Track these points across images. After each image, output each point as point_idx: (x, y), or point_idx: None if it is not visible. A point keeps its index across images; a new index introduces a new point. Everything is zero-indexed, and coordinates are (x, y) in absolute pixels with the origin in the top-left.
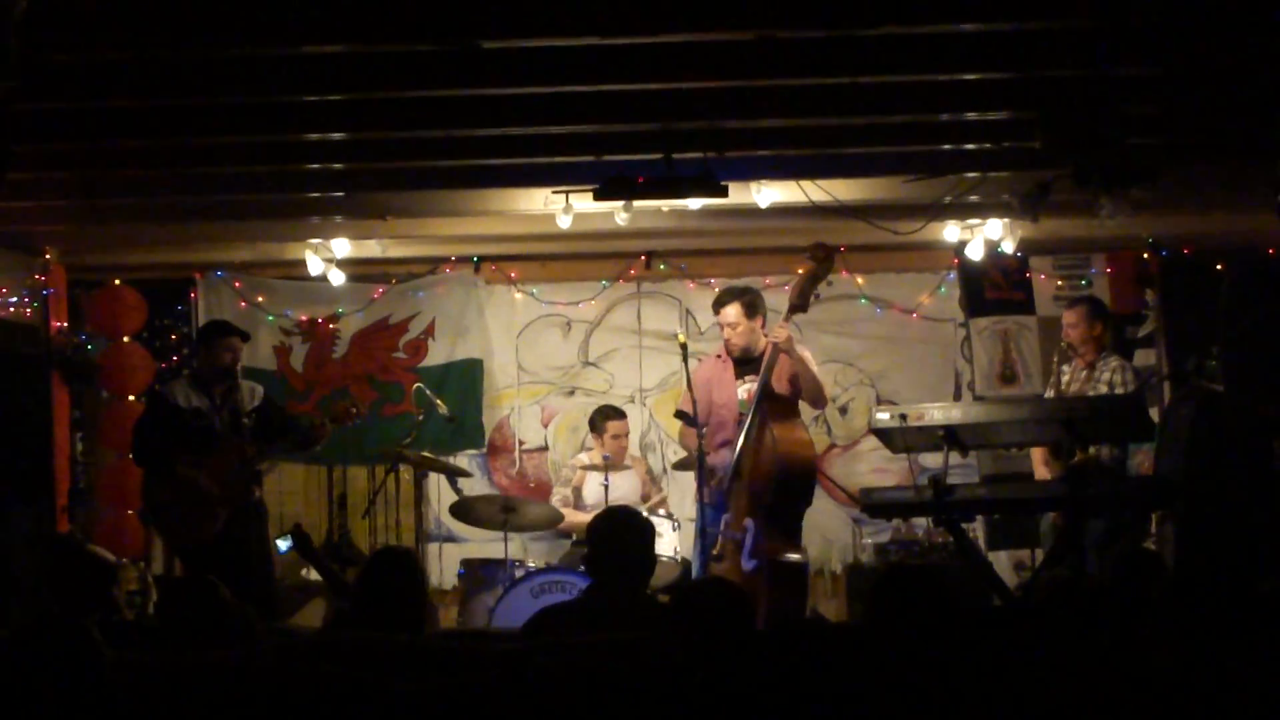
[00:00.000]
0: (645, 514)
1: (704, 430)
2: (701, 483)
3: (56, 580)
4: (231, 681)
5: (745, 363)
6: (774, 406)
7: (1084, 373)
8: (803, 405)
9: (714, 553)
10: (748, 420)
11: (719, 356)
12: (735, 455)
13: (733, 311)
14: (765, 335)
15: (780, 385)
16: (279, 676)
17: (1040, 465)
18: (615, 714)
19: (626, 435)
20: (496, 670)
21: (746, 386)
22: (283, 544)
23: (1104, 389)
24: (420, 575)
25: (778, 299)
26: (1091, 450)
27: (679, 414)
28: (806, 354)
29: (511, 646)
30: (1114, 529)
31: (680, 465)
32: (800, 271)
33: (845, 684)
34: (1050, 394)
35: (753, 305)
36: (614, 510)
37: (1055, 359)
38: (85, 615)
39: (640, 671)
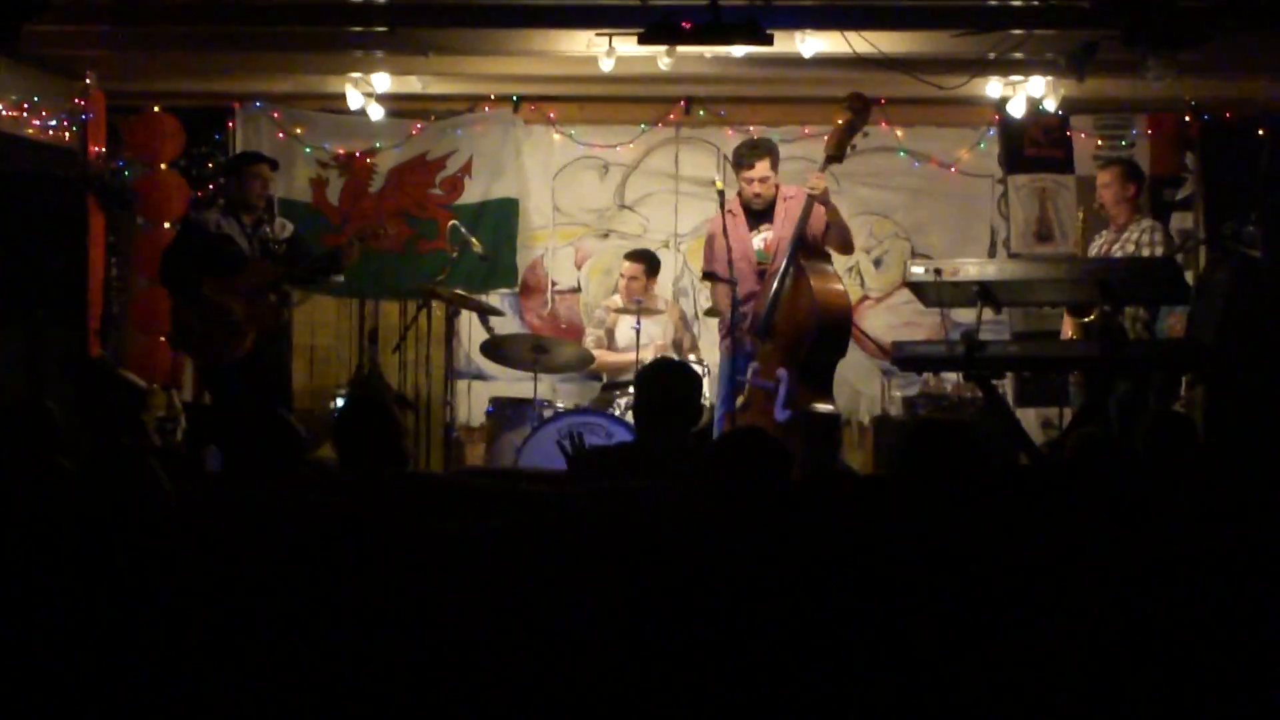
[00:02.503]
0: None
1: (735, 283)
2: (733, 332)
3: (87, 403)
4: (271, 516)
5: (756, 213)
6: (808, 257)
7: (1114, 234)
8: (835, 257)
9: (740, 401)
10: (780, 270)
11: (729, 211)
12: (767, 305)
13: (763, 167)
14: (781, 185)
15: (814, 235)
16: (317, 514)
17: (1070, 327)
18: (650, 561)
19: (640, 279)
20: (535, 513)
21: (762, 236)
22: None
23: (1131, 249)
24: (393, 414)
25: (814, 148)
26: (1126, 311)
27: (707, 274)
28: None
29: (550, 490)
30: (1140, 391)
31: (711, 312)
32: (838, 122)
33: (878, 537)
34: None
35: (776, 155)
36: (662, 361)
37: (1082, 216)
38: (115, 438)
39: (677, 520)
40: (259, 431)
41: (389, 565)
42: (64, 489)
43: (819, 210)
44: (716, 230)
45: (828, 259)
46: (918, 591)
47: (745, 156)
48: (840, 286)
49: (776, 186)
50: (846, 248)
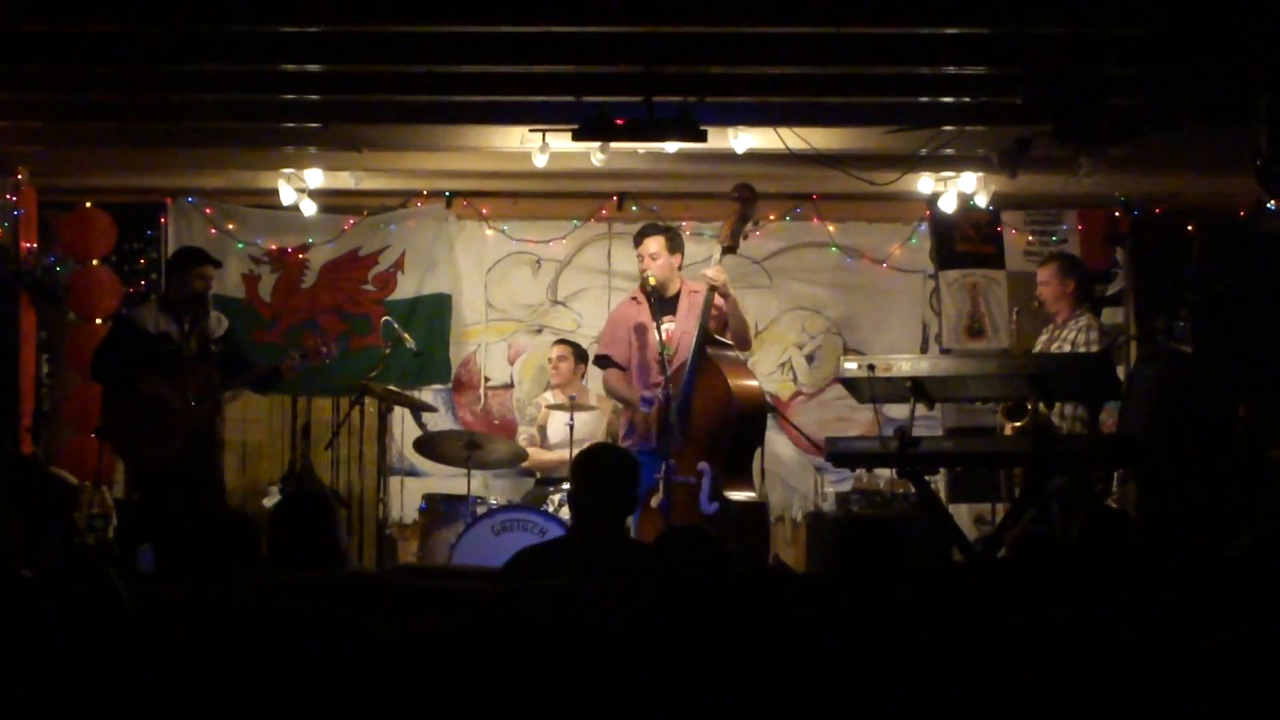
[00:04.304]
0: None
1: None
2: (667, 430)
3: (18, 501)
4: (209, 617)
5: (660, 303)
6: (715, 348)
7: (1055, 330)
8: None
9: (656, 500)
10: (688, 363)
11: (633, 299)
12: (680, 400)
13: (655, 244)
14: (685, 280)
15: (716, 326)
16: (254, 613)
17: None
18: (593, 661)
19: (569, 360)
20: (478, 613)
21: (666, 327)
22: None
23: (1068, 347)
24: (333, 520)
25: (747, 244)
26: (1056, 408)
27: (599, 359)
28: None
29: (494, 589)
30: (1077, 486)
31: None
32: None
33: (814, 635)
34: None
35: (674, 240)
36: (601, 445)
37: (1015, 313)
38: (47, 536)
39: (620, 620)
40: (207, 530)
41: (328, 667)
42: (24, 597)
43: (719, 301)
44: (623, 316)
45: (732, 348)
46: (856, 689)
47: (637, 236)
48: (751, 375)
49: (679, 276)
50: (744, 342)
